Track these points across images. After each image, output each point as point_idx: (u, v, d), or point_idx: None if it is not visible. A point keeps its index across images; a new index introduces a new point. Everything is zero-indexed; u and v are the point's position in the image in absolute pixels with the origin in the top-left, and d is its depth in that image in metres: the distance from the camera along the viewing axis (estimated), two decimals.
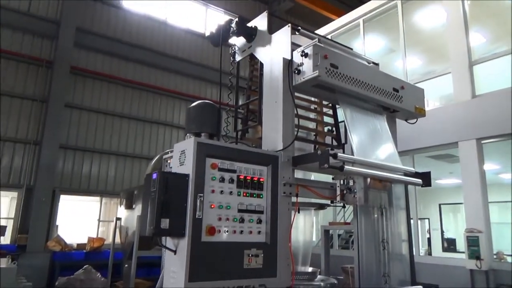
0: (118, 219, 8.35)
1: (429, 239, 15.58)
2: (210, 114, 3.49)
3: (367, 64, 4.13)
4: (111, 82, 12.67)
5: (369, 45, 10.70)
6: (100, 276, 7.64)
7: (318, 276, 3.98)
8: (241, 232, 2.87)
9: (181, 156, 2.83)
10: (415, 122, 4.12)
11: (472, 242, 6.93)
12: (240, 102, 4.20)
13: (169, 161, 3.36)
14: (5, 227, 9.54)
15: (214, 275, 2.65)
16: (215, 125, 3.47)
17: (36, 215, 9.99)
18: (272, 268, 2.95)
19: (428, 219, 15.89)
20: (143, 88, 13.22)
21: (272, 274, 2.94)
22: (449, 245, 14.90)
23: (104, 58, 12.62)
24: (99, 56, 12.53)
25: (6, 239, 9.73)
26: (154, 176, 2.63)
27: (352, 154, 3.36)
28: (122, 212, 8.31)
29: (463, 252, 7.72)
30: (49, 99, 11.00)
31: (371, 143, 3.73)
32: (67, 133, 11.46)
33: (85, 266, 7.73)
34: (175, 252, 2.67)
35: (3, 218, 10.23)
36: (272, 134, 3.37)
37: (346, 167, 3.02)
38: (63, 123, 11.20)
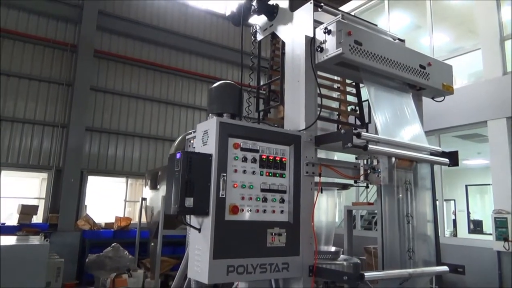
0: (144, 199, 8.57)
1: (454, 221, 15.33)
2: (232, 94, 3.48)
3: (392, 40, 4.00)
4: (134, 65, 12.79)
5: (394, 22, 10.37)
6: (127, 253, 7.90)
7: (341, 256, 3.98)
8: (264, 211, 2.89)
9: (204, 136, 2.85)
10: (442, 100, 3.99)
11: (500, 224, 6.77)
12: (262, 82, 4.17)
13: (192, 142, 3.39)
14: (37, 206, 9.95)
15: (238, 253, 2.69)
16: (236, 106, 3.47)
17: (66, 195, 10.35)
18: (295, 247, 2.97)
19: (454, 200, 15.59)
20: (164, 71, 13.30)
21: (295, 252, 2.96)
22: (476, 226, 14.63)
23: (126, 41, 12.72)
24: (121, 39, 12.65)
25: (38, 218, 10.16)
26: (178, 156, 2.66)
27: (376, 133, 3.30)
28: (147, 192, 8.52)
29: (490, 234, 7.57)
30: (75, 82, 11.23)
31: (396, 122, 3.64)
32: (93, 116, 11.72)
33: (113, 244, 8.00)
34: (199, 230, 2.71)
35: (35, 198, 10.66)
36: (295, 114, 3.33)
37: (370, 146, 2.97)
38: (88, 106, 11.44)
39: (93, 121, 11.68)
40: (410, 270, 3.13)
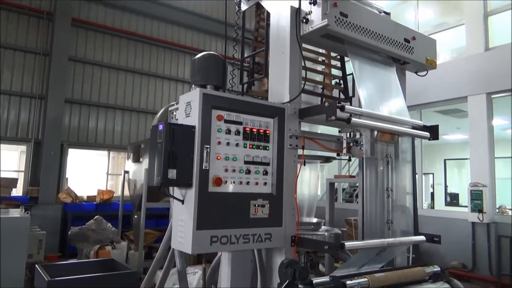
0: (126, 172, 8.52)
1: (432, 194, 15.82)
2: (216, 65, 3.41)
3: (378, 13, 3.96)
4: (114, 35, 12.40)
5: None
6: (110, 226, 7.90)
7: (323, 227, 4.07)
8: (248, 183, 2.91)
9: (187, 108, 2.81)
10: (425, 75, 4.02)
11: (476, 196, 7.02)
12: (246, 54, 4.10)
13: (174, 113, 3.34)
14: (16, 179, 9.78)
15: (222, 224, 2.71)
16: (220, 77, 3.41)
17: (46, 168, 10.19)
18: (278, 218, 3.01)
19: (433, 174, 16.03)
20: (146, 41, 12.95)
21: (278, 223, 3.01)
22: (452, 199, 15.15)
23: (106, 10, 12.27)
24: (100, 8, 12.18)
25: (18, 191, 10.01)
26: (160, 127, 2.62)
27: (360, 107, 3.31)
28: (129, 165, 8.46)
29: (465, 206, 7.85)
30: (52, 52, 10.84)
31: (380, 96, 3.67)
32: (72, 87, 11.41)
33: (95, 217, 7.97)
34: (182, 202, 2.72)
35: (14, 171, 10.46)
36: (279, 86, 3.31)
37: (353, 119, 2.98)
38: (67, 77, 11.11)
39: (72, 93, 11.38)
40: (389, 240, 3.23)
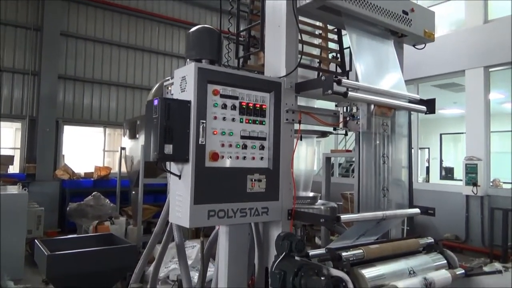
0: (123, 148, 8.51)
1: (427, 168, 15.97)
2: (211, 39, 3.35)
3: None
4: (107, 10, 12.11)
5: None
6: (108, 202, 7.95)
7: (319, 201, 4.12)
8: (244, 158, 2.91)
9: (182, 83, 2.78)
10: (423, 48, 3.97)
11: (470, 170, 7.09)
12: (242, 28, 4.03)
13: (169, 88, 3.31)
14: (12, 156, 9.76)
15: (219, 198, 2.73)
16: (215, 51, 3.36)
17: (42, 145, 10.15)
18: (274, 192, 3.04)
19: (428, 148, 16.14)
20: (140, 16, 12.67)
21: (275, 197, 3.04)
22: (447, 173, 15.32)
23: None
24: None
25: (15, 168, 10.01)
26: (155, 102, 2.60)
27: (357, 81, 3.29)
28: (126, 142, 8.44)
29: (460, 180, 7.94)
30: (43, 27, 10.60)
31: (377, 70, 3.63)
32: (65, 63, 11.22)
33: (93, 193, 8.02)
34: (179, 177, 2.72)
35: (10, 148, 10.42)
36: (275, 60, 3.27)
37: (350, 93, 2.97)
38: (59, 53, 10.91)
39: (65, 69, 11.21)
40: (384, 212, 3.27)
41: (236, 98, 2.89)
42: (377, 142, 3.45)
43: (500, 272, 3.05)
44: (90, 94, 11.66)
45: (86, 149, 11.86)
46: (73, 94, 11.35)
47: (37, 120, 10.34)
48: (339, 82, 2.87)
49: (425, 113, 3.70)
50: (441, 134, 16.00)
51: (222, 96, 2.81)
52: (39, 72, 10.55)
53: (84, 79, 11.55)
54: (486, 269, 3.36)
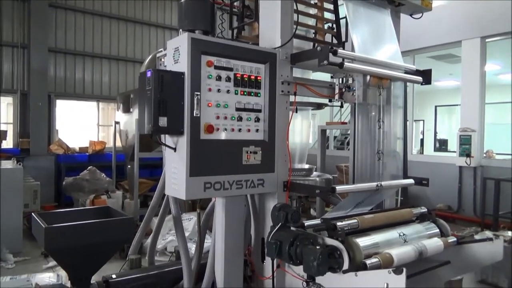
0: (117, 123, 8.44)
1: (422, 140, 16.07)
2: (203, 9, 3.26)
3: None
4: None
5: None
6: (104, 176, 7.96)
7: (314, 173, 4.14)
8: (240, 130, 2.90)
9: (175, 54, 2.73)
10: (420, 17, 3.91)
11: (464, 141, 7.14)
12: None
13: (163, 60, 3.25)
14: (5, 131, 9.66)
15: (214, 171, 2.74)
16: (209, 22, 3.27)
17: (35, 119, 10.04)
18: (270, 164, 3.05)
19: (423, 120, 16.19)
20: None
21: (270, 169, 3.05)
22: (441, 145, 15.44)
23: None
24: None
25: (8, 143, 9.93)
26: (149, 74, 2.55)
27: (353, 52, 3.24)
28: (120, 116, 8.37)
29: (454, 152, 8.01)
30: None
31: (373, 40, 3.58)
32: (55, 35, 10.95)
33: (89, 167, 8.01)
34: (175, 149, 2.72)
35: (2, 123, 10.30)
36: (270, 31, 3.21)
37: (346, 64, 2.93)
38: (49, 25, 10.62)
39: (55, 41, 10.94)
40: (379, 183, 3.30)
41: (230, 69, 2.85)
42: (373, 113, 3.44)
43: (490, 239, 3.11)
44: (82, 68, 11.45)
45: (80, 124, 11.75)
46: (64, 68, 11.14)
47: (29, 95, 10.18)
48: (335, 53, 2.83)
49: (421, 84, 3.69)
50: (436, 106, 16.02)
51: (216, 67, 2.77)
52: (28, 45, 10.31)
53: (75, 52, 11.31)
54: (477, 237, 3.44)
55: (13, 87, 10.23)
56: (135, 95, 7.47)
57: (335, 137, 12.75)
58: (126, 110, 7.85)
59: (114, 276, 3.14)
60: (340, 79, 3.46)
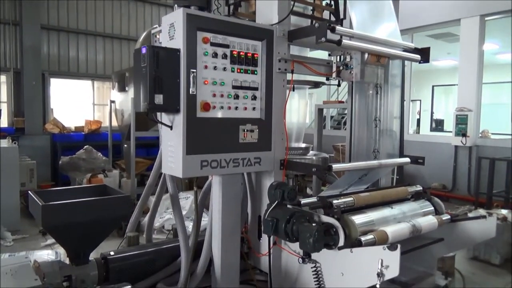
0: (112, 102, 8.37)
1: (418, 120, 16.09)
2: None
3: None
4: None
5: None
6: (101, 155, 7.94)
7: (311, 152, 4.15)
8: (236, 108, 2.88)
9: (170, 30, 2.67)
10: None
11: (461, 120, 7.16)
12: None
13: (158, 36, 3.19)
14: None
15: (211, 149, 2.74)
16: None
17: (29, 98, 9.92)
18: (267, 143, 3.05)
19: (420, 100, 16.17)
20: None
21: (267, 148, 3.05)
22: (437, 125, 15.48)
23: None
24: None
25: (3, 123, 9.85)
26: (143, 50, 2.51)
27: (351, 29, 3.20)
28: (115, 95, 8.29)
29: (450, 132, 8.04)
30: None
31: (372, 18, 3.54)
32: (47, 12, 10.70)
33: (85, 147, 7.97)
34: (171, 127, 2.70)
35: None
36: (267, 7, 3.15)
37: (344, 41, 2.90)
38: (41, 1, 10.37)
39: (48, 18, 10.70)
40: (375, 161, 3.32)
41: (227, 46, 2.81)
42: (370, 92, 3.43)
43: (484, 217, 3.16)
44: (76, 46, 11.24)
45: (75, 103, 11.63)
46: (57, 46, 10.93)
47: (22, 73, 10.02)
48: (333, 30, 2.79)
49: (419, 62, 3.66)
50: (433, 86, 15.97)
51: (212, 44, 2.73)
52: (20, 22, 10.08)
53: (68, 29, 11.08)
54: (471, 215, 3.48)
55: (6, 65, 10.06)
56: (130, 73, 7.38)
57: (331, 117, 12.73)
58: (122, 89, 7.77)
59: (112, 253, 3.17)
60: (338, 57, 3.43)
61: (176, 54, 2.56)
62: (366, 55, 3.27)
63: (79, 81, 11.69)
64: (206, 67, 2.71)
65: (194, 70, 2.62)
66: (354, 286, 2.54)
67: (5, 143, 5.81)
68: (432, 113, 16.19)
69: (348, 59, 3.32)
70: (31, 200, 2.86)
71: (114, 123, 8.71)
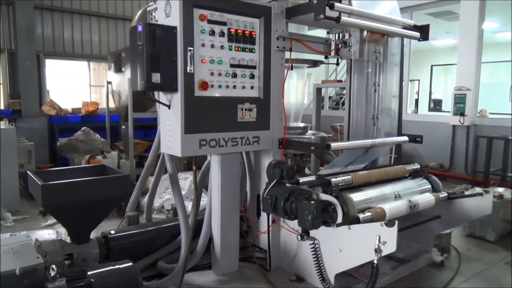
0: (109, 83, 8.28)
1: (416, 100, 16.05)
2: None
3: None
4: None
5: None
6: (99, 136, 7.91)
7: (309, 131, 4.15)
8: (234, 87, 2.87)
9: (166, 7, 2.63)
10: None
11: (459, 100, 7.14)
12: None
13: (154, 14, 3.13)
14: None
15: (209, 128, 2.73)
16: None
17: (24, 80, 9.81)
18: (265, 122, 3.04)
19: (418, 80, 16.08)
20: None
21: (266, 127, 3.05)
22: (435, 105, 15.45)
23: None
24: None
25: None
26: (139, 28, 2.47)
27: (350, 5, 3.16)
28: (112, 76, 8.19)
29: (448, 112, 8.03)
30: None
31: None
32: None
33: (83, 128, 7.93)
34: (169, 106, 2.69)
35: None
36: None
37: (343, 18, 2.87)
38: None
39: None
40: (373, 140, 3.32)
41: (224, 24, 2.77)
42: (369, 70, 3.41)
43: (481, 194, 3.19)
44: (70, 26, 11.05)
45: (72, 85, 11.53)
46: (52, 26, 10.75)
47: (17, 54, 9.89)
48: (331, 6, 2.75)
49: (419, 40, 3.63)
50: (432, 66, 15.86)
51: (209, 21, 2.69)
52: (13, 2, 9.89)
53: (62, 9, 10.88)
54: (467, 193, 3.51)
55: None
56: (127, 54, 7.28)
57: (330, 97, 12.67)
58: (118, 69, 7.67)
59: (112, 232, 3.20)
60: (337, 34, 3.39)
61: (172, 31, 2.53)
62: (365, 33, 3.24)
63: (75, 62, 11.55)
64: (203, 45, 2.68)
65: (191, 48, 2.59)
66: (351, 262, 2.59)
67: (2, 124, 5.77)
68: (430, 93, 16.13)
69: (347, 36, 3.28)
70: (31, 180, 2.86)
71: (111, 104, 8.66)
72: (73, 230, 2.96)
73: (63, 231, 3.89)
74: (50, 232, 4.08)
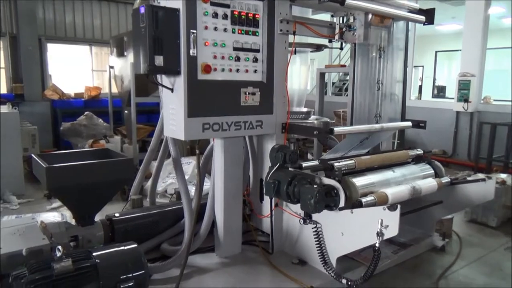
0: (111, 67, 8.25)
1: (420, 87, 15.93)
2: None
3: None
4: None
5: None
6: (102, 121, 7.92)
7: (312, 116, 4.14)
8: (237, 70, 2.85)
9: None
10: None
11: (463, 86, 7.09)
12: None
13: None
14: None
15: (213, 111, 2.73)
16: None
17: (26, 64, 9.79)
18: (268, 106, 3.03)
19: (423, 66, 15.95)
20: None
21: (269, 111, 3.04)
22: (439, 92, 15.35)
23: None
24: None
25: (2, 89, 9.77)
26: (142, 10, 2.45)
27: None
28: (114, 61, 8.16)
29: (452, 98, 7.98)
30: None
31: None
32: None
33: (86, 113, 7.94)
34: (172, 90, 2.68)
35: None
36: None
37: (348, 1, 2.83)
38: None
39: None
40: (377, 125, 3.32)
41: (227, 6, 2.74)
42: (373, 54, 3.38)
43: (483, 180, 3.19)
44: (72, 10, 10.97)
45: (74, 70, 11.50)
46: (53, 10, 10.67)
47: (18, 38, 9.84)
48: None
49: (424, 24, 3.59)
50: (436, 52, 15.70)
51: (212, 3, 2.66)
52: None
53: None
54: (470, 179, 3.51)
55: (1, 30, 9.86)
56: (129, 38, 7.23)
57: (333, 83, 12.61)
58: (120, 54, 7.63)
59: (117, 214, 3.23)
60: (341, 18, 3.35)
61: (175, 13, 2.51)
62: (369, 16, 3.20)
63: (77, 46, 11.50)
64: (206, 27, 2.65)
65: (194, 31, 2.57)
66: (353, 246, 2.61)
67: (5, 109, 5.78)
68: (434, 79, 16.01)
69: (351, 20, 3.25)
70: (35, 163, 2.88)
71: (114, 89, 8.64)
72: (78, 212, 2.99)
73: (68, 213, 3.93)
74: (55, 214, 4.13)
